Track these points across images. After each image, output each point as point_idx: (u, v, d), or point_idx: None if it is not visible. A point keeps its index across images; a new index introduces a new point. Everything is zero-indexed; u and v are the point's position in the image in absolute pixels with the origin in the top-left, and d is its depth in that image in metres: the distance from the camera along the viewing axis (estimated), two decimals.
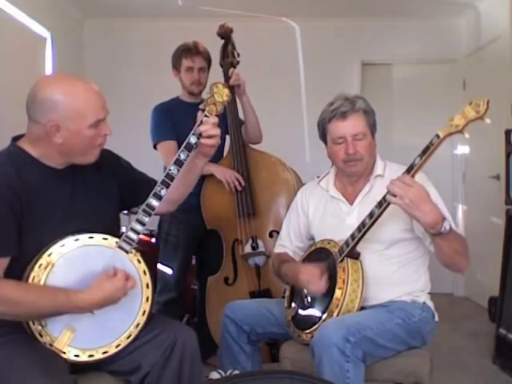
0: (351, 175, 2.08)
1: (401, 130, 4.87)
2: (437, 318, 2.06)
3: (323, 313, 1.90)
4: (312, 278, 1.94)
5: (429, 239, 1.88)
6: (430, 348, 2.02)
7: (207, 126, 1.72)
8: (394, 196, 1.73)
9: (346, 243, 1.93)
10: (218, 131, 1.75)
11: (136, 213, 1.69)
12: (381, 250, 1.99)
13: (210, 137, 1.73)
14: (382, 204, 1.81)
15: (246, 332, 2.10)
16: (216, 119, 1.74)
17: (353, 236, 1.91)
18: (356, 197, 2.07)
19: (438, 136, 1.71)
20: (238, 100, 2.92)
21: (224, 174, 2.83)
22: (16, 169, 1.60)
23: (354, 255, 1.93)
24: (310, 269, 1.98)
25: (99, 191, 1.77)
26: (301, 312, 2.02)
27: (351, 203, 2.08)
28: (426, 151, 1.73)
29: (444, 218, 1.75)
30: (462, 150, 4.92)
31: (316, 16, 4.71)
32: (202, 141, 1.72)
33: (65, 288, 1.56)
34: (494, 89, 3.95)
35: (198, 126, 1.72)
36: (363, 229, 1.87)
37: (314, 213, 2.17)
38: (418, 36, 4.88)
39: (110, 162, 1.85)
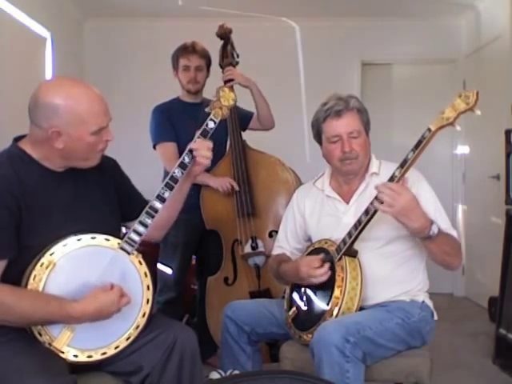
0: (347, 174, 2.08)
1: (401, 129, 4.86)
2: (436, 317, 2.06)
3: (323, 312, 1.90)
4: (312, 267, 1.94)
5: None
6: (430, 348, 2.02)
7: (203, 151, 1.73)
8: (382, 203, 1.75)
9: (344, 241, 1.93)
10: (210, 155, 1.75)
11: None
12: (378, 247, 1.99)
13: (205, 157, 1.74)
14: (375, 205, 1.81)
15: (247, 332, 2.10)
16: (210, 144, 1.75)
17: (350, 234, 1.91)
18: (352, 195, 2.07)
19: (429, 130, 1.72)
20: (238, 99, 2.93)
21: (219, 182, 2.84)
22: (15, 170, 1.60)
23: (352, 253, 1.93)
24: (309, 259, 1.99)
25: (100, 194, 1.77)
26: (301, 313, 2.02)
27: (347, 202, 2.08)
28: (419, 145, 1.74)
29: (432, 223, 1.77)
30: (462, 149, 4.92)
31: (316, 16, 4.71)
32: (198, 159, 1.73)
33: (60, 297, 1.55)
34: (494, 89, 3.95)
35: (204, 128, 1.73)
36: (359, 226, 1.88)
37: (311, 213, 2.17)
38: (417, 36, 4.88)
39: (113, 171, 1.86)
